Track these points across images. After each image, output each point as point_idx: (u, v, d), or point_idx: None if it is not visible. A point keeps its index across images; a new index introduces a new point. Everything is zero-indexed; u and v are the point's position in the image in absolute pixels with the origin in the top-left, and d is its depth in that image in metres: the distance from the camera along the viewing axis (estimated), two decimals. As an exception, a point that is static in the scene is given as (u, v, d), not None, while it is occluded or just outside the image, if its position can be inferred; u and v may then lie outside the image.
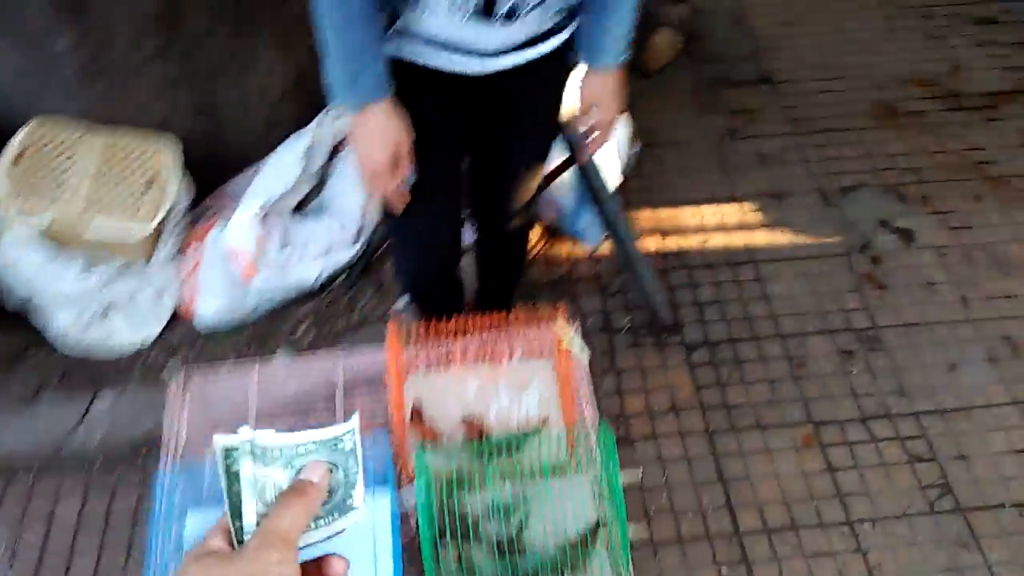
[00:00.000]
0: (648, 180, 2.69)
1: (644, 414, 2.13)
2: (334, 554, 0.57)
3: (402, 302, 2.26)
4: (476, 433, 1.42)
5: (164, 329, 2.20)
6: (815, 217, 2.58)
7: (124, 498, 2.00)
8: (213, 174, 2.29)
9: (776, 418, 2.12)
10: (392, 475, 1.35)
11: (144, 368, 2.14)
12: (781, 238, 2.52)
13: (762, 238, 2.52)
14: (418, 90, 1.34)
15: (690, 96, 2.98)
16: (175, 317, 2.21)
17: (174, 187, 2.00)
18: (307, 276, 2.12)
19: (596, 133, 1.51)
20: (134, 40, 1.95)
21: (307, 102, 2.28)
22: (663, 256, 2.47)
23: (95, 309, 2.12)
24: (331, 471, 0.57)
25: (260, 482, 0.55)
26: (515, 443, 1.32)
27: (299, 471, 0.56)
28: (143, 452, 2.05)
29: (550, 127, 1.63)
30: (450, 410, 1.45)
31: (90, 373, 2.11)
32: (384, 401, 1.62)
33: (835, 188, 2.67)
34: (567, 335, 1.37)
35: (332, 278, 2.26)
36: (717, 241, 2.51)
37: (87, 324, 2.13)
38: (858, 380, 2.19)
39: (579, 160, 1.87)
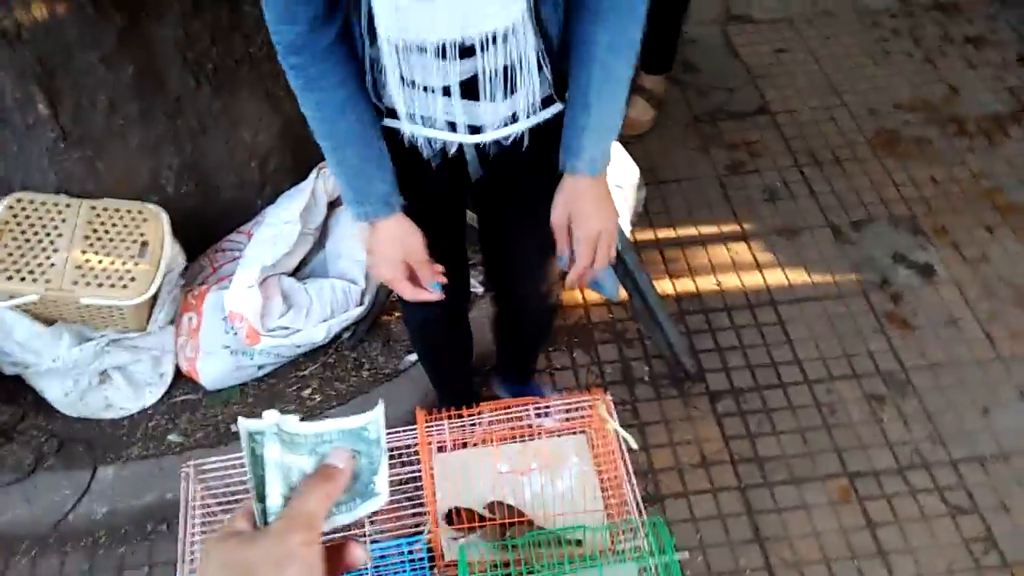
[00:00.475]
0: (655, 220, 2.62)
1: (673, 470, 2.04)
2: (355, 540, 0.58)
3: (411, 358, 2.16)
4: (504, 517, 1.32)
5: (166, 391, 2.09)
6: (829, 254, 2.51)
7: (133, 572, 1.88)
8: (204, 233, 2.19)
9: (810, 470, 2.04)
10: (428, 571, 1.26)
11: (147, 435, 2.03)
12: (797, 277, 2.45)
13: (778, 278, 2.45)
14: (409, 155, 1.26)
15: (689, 129, 2.92)
16: (178, 375, 2.11)
17: (167, 253, 1.90)
18: (313, 338, 2.02)
19: (580, 250, 1.25)
20: (113, 105, 1.86)
21: (297, 152, 2.19)
22: (677, 300, 2.40)
23: (90, 379, 2.00)
24: (355, 457, 0.58)
25: (286, 466, 0.55)
26: (558, 534, 1.22)
27: (323, 457, 0.57)
28: (150, 525, 1.94)
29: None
30: (480, 492, 1.35)
31: (90, 442, 2.00)
32: (400, 477, 1.53)
33: (846, 222, 2.61)
34: (609, 418, 1.28)
35: (338, 335, 2.16)
36: (732, 282, 2.44)
37: (83, 392, 2.01)
38: (890, 427, 2.11)
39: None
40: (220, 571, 0.49)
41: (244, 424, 0.54)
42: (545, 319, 1.85)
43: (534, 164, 1.26)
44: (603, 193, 1.23)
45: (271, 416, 0.54)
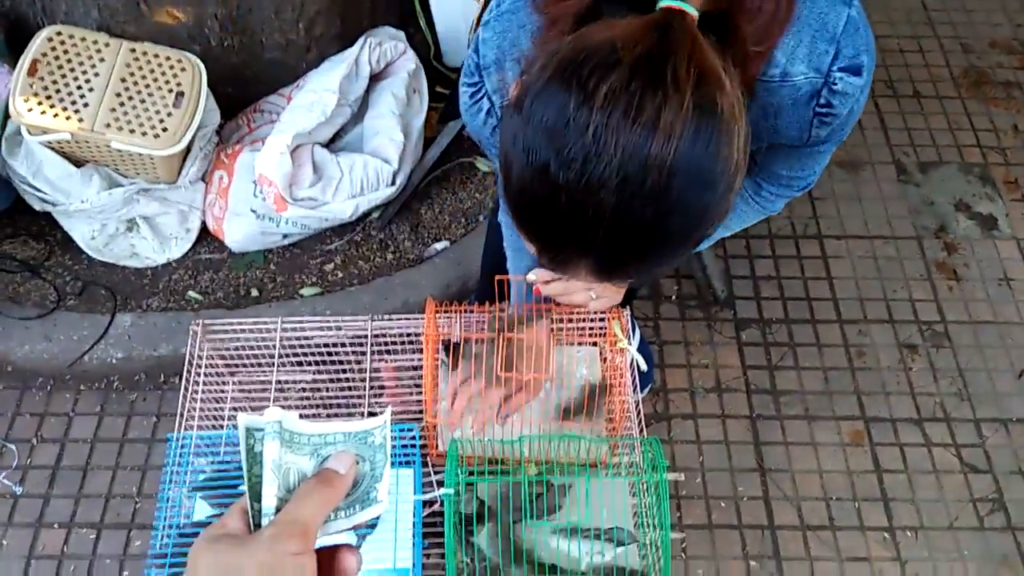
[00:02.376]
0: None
1: (685, 391, 2.01)
2: (349, 545, 0.56)
3: (437, 247, 2.13)
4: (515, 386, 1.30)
5: (191, 246, 2.10)
6: (889, 193, 2.38)
7: (141, 420, 1.94)
8: (244, 92, 2.14)
9: (826, 410, 1.99)
10: (419, 454, 1.26)
11: (168, 288, 2.04)
12: (850, 213, 2.33)
13: (830, 210, 2.33)
14: None
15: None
16: (204, 233, 2.11)
17: (202, 107, 1.85)
18: (340, 213, 1.98)
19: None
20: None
21: (346, 19, 2.10)
22: (720, 220, 2.30)
23: (117, 225, 2.01)
24: (358, 463, 0.56)
25: (284, 466, 0.53)
26: (555, 438, 1.21)
27: (325, 460, 0.55)
28: (162, 376, 1.98)
29: None
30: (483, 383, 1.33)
31: (112, 288, 2.02)
32: (410, 363, 1.52)
33: (913, 162, 2.46)
34: (622, 336, 1.24)
35: (367, 213, 2.12)
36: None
37: (110, 238, 2.03)
38: (918, 378, 2.04)
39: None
40: (208, 574, 0.48)
41: (243, 419, 0.52)
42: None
43: None
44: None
45: (272, 413, 0.52)
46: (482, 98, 0.95)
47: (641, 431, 1.26)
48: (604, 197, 0.60)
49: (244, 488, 0.52)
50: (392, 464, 1.27)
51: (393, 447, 1.27)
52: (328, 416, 1.52)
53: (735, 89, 0.64)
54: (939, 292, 2.18)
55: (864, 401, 2.01)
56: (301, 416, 0.55)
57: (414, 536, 1.12)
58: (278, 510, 0.51)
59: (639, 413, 1.26)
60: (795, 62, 0.79)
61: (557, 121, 0.60)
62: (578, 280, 0.73)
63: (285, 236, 2.08)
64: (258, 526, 0.51)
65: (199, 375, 1.34)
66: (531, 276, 1.19)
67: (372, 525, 1.13)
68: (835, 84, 0.80)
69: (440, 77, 2.29)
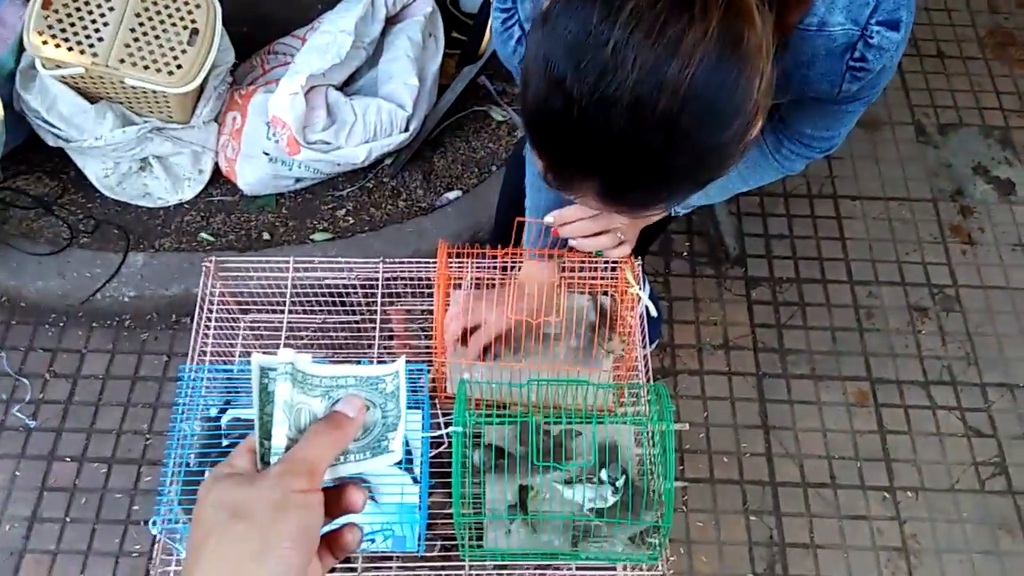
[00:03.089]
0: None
1: (693, 347, 2.02)
2: (355, 483, 0.56)
3: (449, 196, 2.12)
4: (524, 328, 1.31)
5: (204, 188, 2.09)
6: (907, 154, 2.35)
7: (153, 359, 1.96)
8: (259, 31, 2.12)
9: (832, 369, 2.00)
10: (427, 395, 1.27)
11: (180, 228, 2.05)
12: (867, 172, 2.31)
13: (846, 170, 2.31)
14: None
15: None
16: (216, 175, 2.10)
17: (216, 45, 1.84)
18: (352, 157, 1.97)
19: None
20: None
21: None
22: (735, 178, 2.28)
23: (130, 163, 2.01)
24: (368, 408, 0.56)
25: (296, 407, 0.53)
26: (563, 383, 1.21)
27: (336, 403, 0.55)
28: (174, 315, 2.00)
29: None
30: (492, 327, 1.34)
31: (125, 227, 2.02)
32: (421, 307, 1.53)
33: (933, 123, 2.42)
34: (634, 284, 1.23)
35: (379, 159, 2.11)
36: (796, 168, 2.31)
37: (123, 176, 2.03)
38: (926, 341, 2.04)
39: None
40: (215, 511, 0.48)
41: (257, 359, 0.52)
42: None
43: None
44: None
45: (286, 354, 0.52)
46: (513, 25, 0.94)
47: (648, 379, 1.26)
48: (615, 116, 0.60)
49: (255, 426, 0.53)
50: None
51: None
52: (339, 359, 1.53)
53: (766, 29, 0.62)
54: (952, 256, 2.17)
55: (871, 362, 2.01)
56: (314, 359, 0.55)
57: (421, 473, 1.14)
58: (287, 449, 0.52)
59: (647, 364, 1.27)
60: (833, 12, 0.77)
61: (579, 34, 0.59)
62: (583, 202, 0.72)
63: (297, 180, 2.07)
64: (266, 464, 0.52)
65: (211, 312, 1.35)
66: (549, 218, 1.19)
67: (373, 498, 1.15)
68: (871, 38, 0.79)
69: (456, 22, 2.25)
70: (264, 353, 0.53)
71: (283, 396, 0.52)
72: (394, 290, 1.45)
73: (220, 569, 0.45)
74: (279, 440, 0.52)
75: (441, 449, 1.27)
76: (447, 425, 1.32)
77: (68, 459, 1.83)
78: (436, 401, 1.34)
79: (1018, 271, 2.15)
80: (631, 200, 0.71)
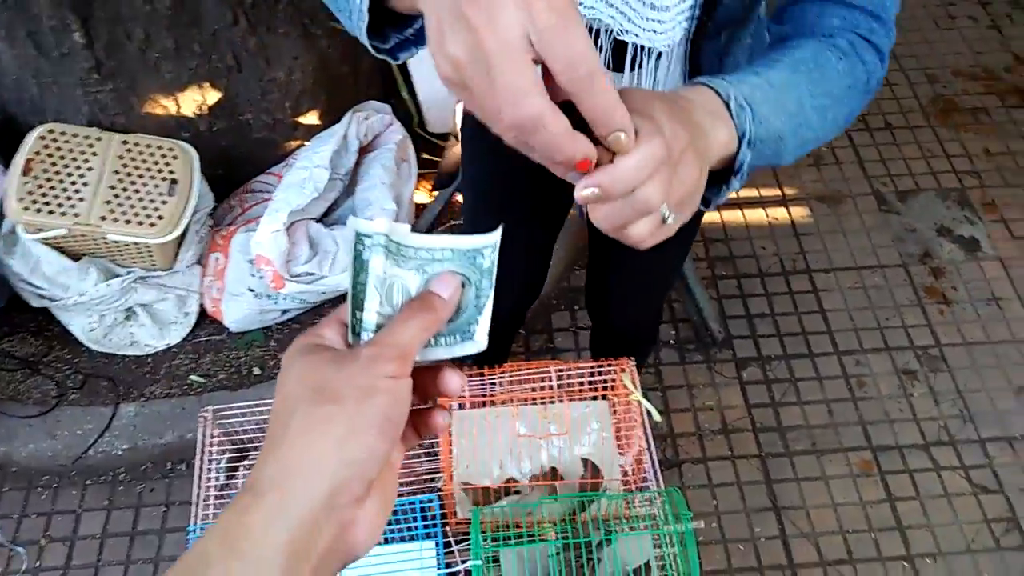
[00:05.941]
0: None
1: (693, 435, 2.02)
2: (451, 364, 0.52)
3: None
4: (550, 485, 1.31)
5: (190, 330, 2.10)
6: (871, 223, 2.43)
7: (151, 511, 1.92)
8: (235, 173, 2.17)
9: (833, 442, 2.00)
10: (440, 526, 1.26)
11: (169, 373, 2.04)
12: (836, 245, 2.38)
13: (816, 245, 2.38)
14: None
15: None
16: (202, 315, 2.11)
17: (196, 192, 1.88)
18: (337, 285, 2.00)
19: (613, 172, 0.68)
20: (149, 37, 1.82)
21: (332, 95, 2.15)
22: (710, 264, 2.34)
23: (115, 315, 2.02)
24: (464, 286, 0.51)
25: (388, 280, 0.50)
26: (575, 499, 1.21)
27: (430, 278, 0.51)
28: (169, 463, 1.97)
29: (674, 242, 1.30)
30: (498, 452, 1.34)
31: (113, 378, 2.01)
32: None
33: (892, 191, 2.52)
34: (633, 389, 1.25)
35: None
36: (768, 248, 2.37)
37: (108, 328, 2.03)
38: (920, 403, 2.07)
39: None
40: (300, 387, 0.46)
41: (354, 223, 0.49)
42: (643, 349, 1.72)
43: None
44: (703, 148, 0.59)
45: (380, 224, 0.49)
46: None
47: (659, 483, 1.27)
48: None
49: (348, 296, 0.50)
50: (415, 537, 1.27)
51: (413, 518, 1.27)
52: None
53: None
54: (931, 316, 2.22)
55: (869, 430, 2.02)
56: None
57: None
58: (379, 327, 0.49)
59: (654, 464, 1.27)
60: None
61: None
62: None
63: (284, 312, 2.09)
64: (357, 336, 0.50)
65: (212, 461, 1.34)
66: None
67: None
68: None
69: (426, 144, 2.33)
70: (361, 218, 0.49)
71: (376, 270, 0.49)
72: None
73: (304, 448, 0.44)
74: (370, 316, 0.50)
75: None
76: (460, 552, 1.30)
77: (69, 627, 1.76)
78: (447, 527, 1.33)
79: (996, 325, 2.20)
80: None
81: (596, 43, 0.87)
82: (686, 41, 0.84)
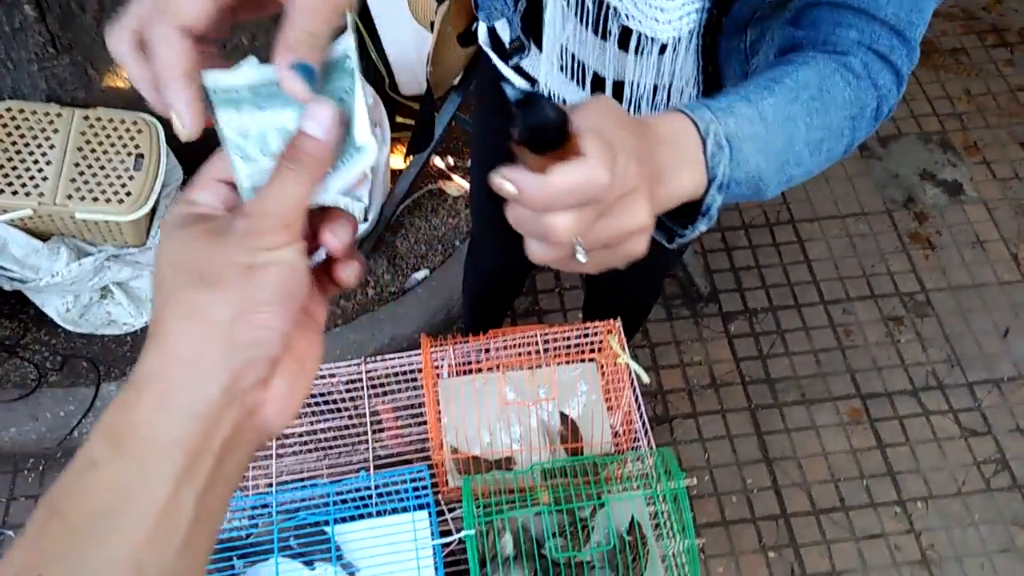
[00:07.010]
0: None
1: (683, 391, 2.02)
2: (339, 209, 0.46)
3: (416, 276, 2.12)
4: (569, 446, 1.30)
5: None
6: (854, 171, 2.41)
7: (136, 495, 1.89)
8: (202, 145, 2.10)
9: (822, 392, 2.01)
10: (432, 496, 1.24)
11: (148, 353, 2.00)
12: (819, 194, 2.36)
13: (798, 195, 2.36)
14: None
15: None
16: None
17: (163, 166, 1.83)
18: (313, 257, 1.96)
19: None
20: (103, 8, 1.74)
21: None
22: (694, 217, 2.31)
23: (90, 294, 1.97)
24: (341, 103, 0.43)
25: (259, 131, 0.44)
26: (567, 463, 1.20)
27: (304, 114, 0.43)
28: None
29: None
30: (486, 419, 1.33)
31: (93, 358, 1.98)
32: (409, 400, 1.51)
33: (873, 137, 2.49)
34: (621, 352, 1.24)
35: (343, 251, 2.10)
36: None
37: (84, 308, 1.99)
38: (907, 349, 2.07)
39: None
40: (174, 270, 0.40)
41: (208, 79, 0.43)
42: (637, 322, 1.74)
43: None
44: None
45: (242, 75, 0.43)
46: None
47: (649, 443, 1.25)
48: None
49: (227, 156, 0.44)
50: (407, 508, 1.26)
51: (405, 490, 1.25)
52: (331, 461, 1.50)
53: None
54: (916, 262, 2.22)
55: (858, 378, 2.03)
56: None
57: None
58: (255, 189, 0.43)
59: (644, 423, 1.26)
60: None
61: None
62: None
63: (263, 285, 2.05)
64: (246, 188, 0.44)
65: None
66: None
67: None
68: None
69: (399, 106, 2.28)
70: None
71: (231, 124, 0.43)
72: (379, 384, 1.43)
73: (188, 336, 0.39)
74: (243, 181, 0.44)
75: (451, 547, 1.24)
76: (453, 520, 1.29)
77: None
78: (439, 496, 1.31)
79: (981, 268, 2.20)
80: None
81: (604, 24, 0.85)
82: (697, 35, 0.80)
